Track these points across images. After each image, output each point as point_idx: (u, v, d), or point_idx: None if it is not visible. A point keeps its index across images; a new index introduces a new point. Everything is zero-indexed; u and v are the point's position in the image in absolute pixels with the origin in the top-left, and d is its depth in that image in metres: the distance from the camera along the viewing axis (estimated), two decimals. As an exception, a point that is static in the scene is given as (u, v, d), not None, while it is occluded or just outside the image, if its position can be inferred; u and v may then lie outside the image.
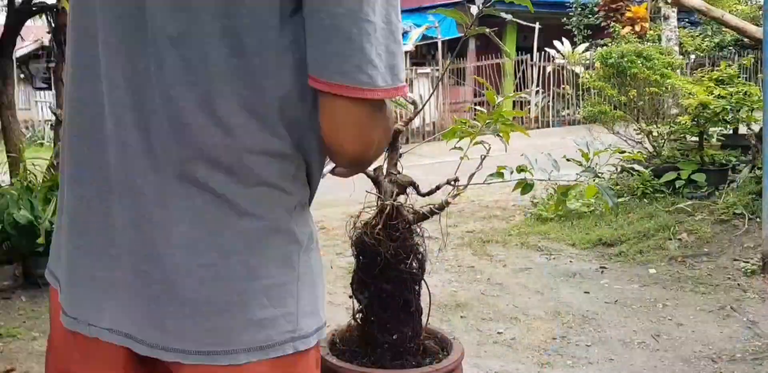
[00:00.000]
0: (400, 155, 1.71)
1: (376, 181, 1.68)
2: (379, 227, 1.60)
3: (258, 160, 0.92)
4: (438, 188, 1.76)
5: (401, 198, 1.68)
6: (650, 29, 12.63)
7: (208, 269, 0.93)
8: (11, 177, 4.61)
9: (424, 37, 13.48)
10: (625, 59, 5.91)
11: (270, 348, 0.95)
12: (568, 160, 3.92)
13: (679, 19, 10.31)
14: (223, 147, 0.91)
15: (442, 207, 1.72)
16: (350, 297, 1.75)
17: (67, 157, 1.03)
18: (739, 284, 3.79)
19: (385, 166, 1.69)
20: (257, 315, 0.94)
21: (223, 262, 0.93)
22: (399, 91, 0.88)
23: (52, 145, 4.93)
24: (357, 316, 1.74)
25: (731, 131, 6.07)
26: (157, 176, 0.93)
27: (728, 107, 5.24)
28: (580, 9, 14.50)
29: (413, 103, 1.81)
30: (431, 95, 2.17)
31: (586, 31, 14.42)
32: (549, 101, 13.40)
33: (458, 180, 1.74)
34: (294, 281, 0.96)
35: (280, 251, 0.95)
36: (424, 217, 1.70)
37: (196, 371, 0.95)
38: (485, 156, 1.79)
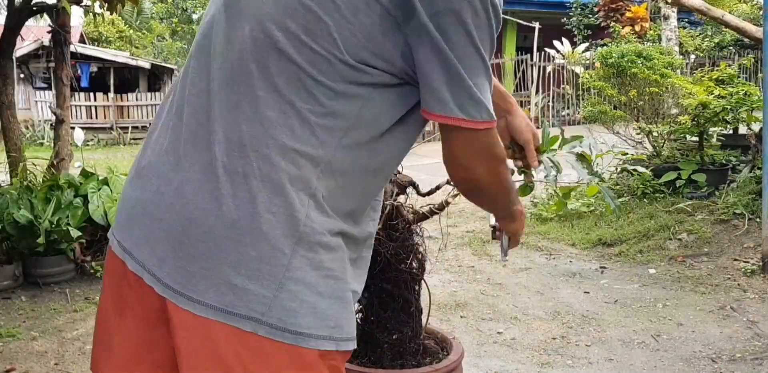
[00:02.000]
0: (400, 155, 1.71)
1: (376, 181, 1.68)
2: (379, 226, 1.60)
3: (288, 154, 0.95)
4: (438, 187, 1.76)
5: (401, 198, 1.68)
6: (650, 29, 12.66)
7: (205, 220, 0.96)
8: (11, 177, 4.61)
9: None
10: (626, 59, 5.91)
11: (230, 315, 0.94)
12: (572, 164, 3.92)
13: (679, 19, 10.33)
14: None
15: (442, 207, 1.72)
16: (350, 297, 1.75)
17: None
18: (739, 284, 3.79)
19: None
20: (231, 279, 0.94)
21: (220, 221, 0.95)
22: (493, 123, 0.97)
23: (52, 144, 4.92)
24: (357, 316, 1.74)
25: (731, 131, 6.07)
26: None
27: (728, 107, 5.24)
28: (580, 9, 14.50)
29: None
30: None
31: (586, 31, 14.43)
32: (549, 101, 13.39)
33: (458, 180, 1.74)
34: (281, 268, 0.95)
35: (273, 232, 0.95)
36: (424, 217, 1.70)
37: (173, 309, 0.98)
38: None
